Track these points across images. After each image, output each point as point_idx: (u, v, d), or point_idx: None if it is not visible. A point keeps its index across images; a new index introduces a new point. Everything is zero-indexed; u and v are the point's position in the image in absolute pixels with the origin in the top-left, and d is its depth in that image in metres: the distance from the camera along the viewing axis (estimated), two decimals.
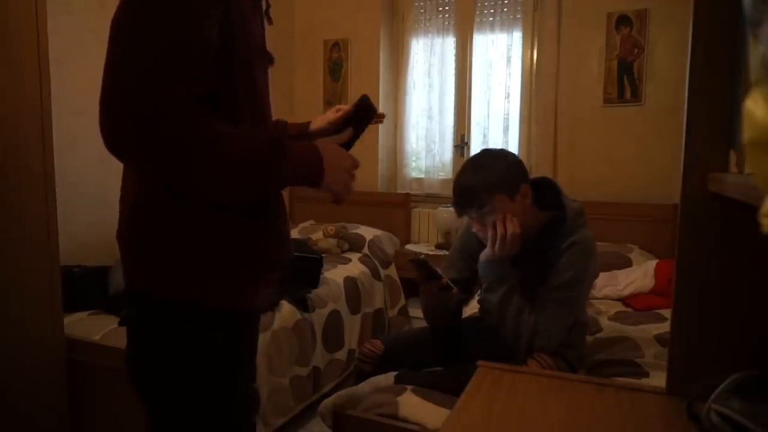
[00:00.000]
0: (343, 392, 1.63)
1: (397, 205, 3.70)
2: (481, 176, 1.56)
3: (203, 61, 0.82)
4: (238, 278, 0.95)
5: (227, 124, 0.85)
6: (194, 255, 0.90)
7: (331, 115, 1.25)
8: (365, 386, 1.64)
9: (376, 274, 3.20)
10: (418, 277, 1.66)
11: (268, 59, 1.02)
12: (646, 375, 1.73)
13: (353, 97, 3.82)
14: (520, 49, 3.50)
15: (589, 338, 2.06)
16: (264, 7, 1.07)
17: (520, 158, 1.67)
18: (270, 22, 1.09)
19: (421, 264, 1.57)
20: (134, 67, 0.77)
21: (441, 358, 1.76)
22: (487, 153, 1.66)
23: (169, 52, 0.78)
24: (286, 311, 2.29)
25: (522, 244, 1.57)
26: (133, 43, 0.78)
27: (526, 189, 1.59)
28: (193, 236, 0.90)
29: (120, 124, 0.79)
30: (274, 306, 2.24)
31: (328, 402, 1.58)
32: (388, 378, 1.65)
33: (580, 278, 1.58)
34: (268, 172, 0.87)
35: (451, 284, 1.60)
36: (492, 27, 3.56)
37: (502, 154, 1.64)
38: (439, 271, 1.61)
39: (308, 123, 1.31)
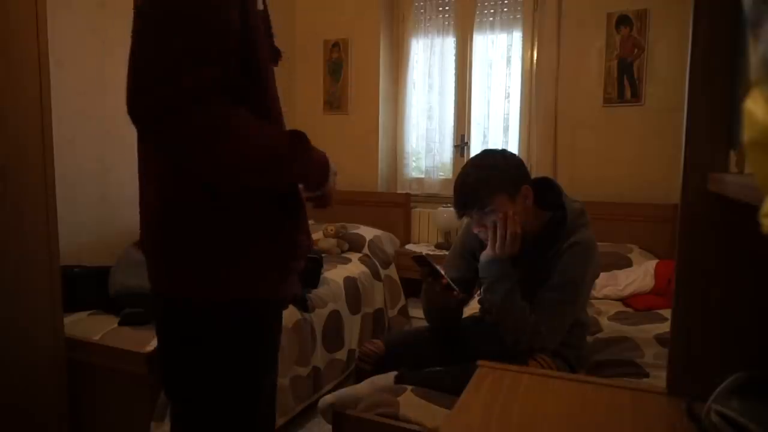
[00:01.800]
0: (342, 391, 1.63)
1: (397, 205, 3.70)
2: (482, 177, 1.56)
3: (227, 44, 0.83)
4: (270, 270, 0.96)
5: (254, 116, 0.87)
6: (226, 254, 0.91)
7: None
8: (365, 385, 1.64)
9: (376, 274, 3.20)
10: (421, 275, 1.66)
11: (277, 55, 1.04)
12: (647, 375, 1.73)
13: (353, 97, 3.82)
14: (520, 49, 3.50)
15: (589, 338, 2.05)
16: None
17: (520, 158, 1.67)
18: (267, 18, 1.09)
19: (425, 261, 1.56)
20: (165, 52, 0.77)
21: (441, 357, 1.75)
22: (487, 153, 1.66)
23: (197, 37, 0.79)
24: (286, 311, 2.28)
25: (523, 244, 1.57)
26: (163, 29, 0.78)
27: (527, 189, 1.59)
28: (223, 235, 0.91)
29: (151, 108, 0.78)
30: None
31: (327, 399, 1.58)
32: (388, 378, 1.65)
33: (581, 279, 1.58)
34: (289, 162, 0.89)
35: (453, 285, 1.59)
36: (492, 27, 3.56)
37: (502, 155, 1.63)
38: (442, 270, 1.61)
39: None
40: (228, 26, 0.82)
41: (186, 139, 0.79)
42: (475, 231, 1.64)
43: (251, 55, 0.89)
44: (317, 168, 0.97)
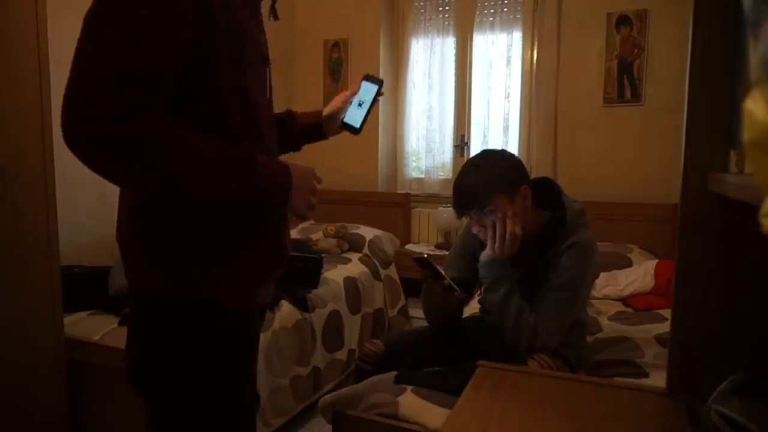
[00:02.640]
0: (342, 391, 1.63)
1: (397, 205, 3.70)
2: (481, 177, 1.56)
3: (172, 62, 0.82)
4: (238, 276, 0.95)
5: (197, 134, 0.85)
6: (194, 252, 0.91)
7: (341, 98, 1.24)
8: (365, 385, 1.64)
9: (376, 274, 3.20)
10: (422, 276, 1.66)
11: (263, 58, 1.01)
12: (646, 375, 1.73)
13: None
14: (520, 49, 3.50)
15: (589, 338, 2.05)
16: (270, 2, 1.07)
17: (519, 159, 1.67)
18: (276, 17, 1.08)
19: (426, 263, 1.56)
20: (96, 69, 0.77)
21: (441, 357, 1.75)
22: (486, 154, 1.66)
23: (132, 54, 0.77)
24: (286, 311, 2.29)
25: (522, 244, 1.57)
26: (98, 44, 0.77)
27: (526, 190, 1.59)
28: (192, 234, 0.91)
29: (77, 127, 0.79)
30: (273, 306, 2.24)
31: (327, 399, 1.58)
32: (388, 378, 1.65)
33: (580, 278, 1.58)
34: (228, 185, 0.88)
35: (454, 285, 1.59)
36: (492, 27, 3.56)
37: (501, 155, 1.64)
38: (443, 271, 1.61)
39: (320, 111, 1.30)
40: (168, 44, 0.81)
41: (100, 157, 0.80)
42: (475, 231, 1.64)
43: (208, 74, 0.88)
44: (259, 188, 0.91)
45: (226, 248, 0.93)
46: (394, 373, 1.66)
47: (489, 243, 1.58)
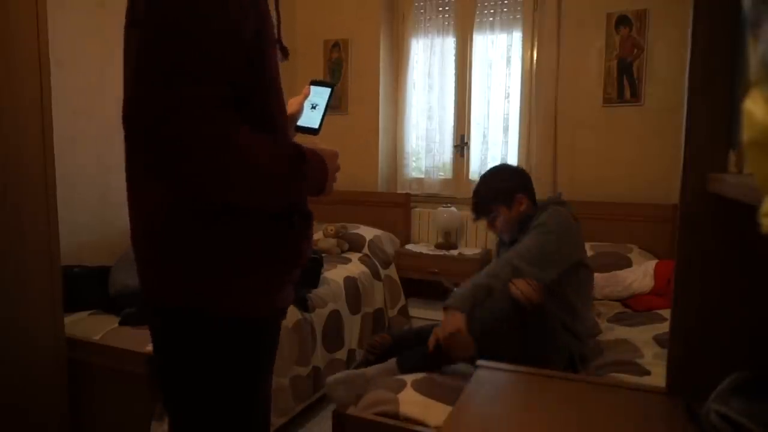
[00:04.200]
0: (351, 371, 1.76)
1: (397, 205, 3.70)
2: (486, 193, 2.00)
3: (238, 61, 0.81)
4: (263, 282, 0.94)
5: (258, 134, 0.84)
6: (219, 264, 0.89)
7: (296, 102, 1.22)
8: (372, 368, 1.78)
9: (376, 274, 3.20)
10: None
11: (284, 53, 1.03)
12: (648, 373, 1.73)
13: (353, 97, 3.82)
14: (520, 49, 3.50)
15: (590, 342, 2.06)
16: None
17: (521, 169, 2.09)
18: (278, 17, 1.08)
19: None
20: (163, 68, 0.75)
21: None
22: (494, 170, 2.09)
23: (202, 54, 0.76)
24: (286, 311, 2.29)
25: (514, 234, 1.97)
26: (165, 42, 0.76)
27: (521, 197, 1.97)
28: (216, 245, 0.88)
29: (147, 119, 0.75)
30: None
31: (337, 377, 1.75)
32: (391, 362, 1.78)
33: (547, 224, 1.83)
34: (288, 187, 0.88)
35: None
36: (492, 27, 3.56)
37: (505, 171, 2.09)
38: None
39: None
40: (238, 42, 0.81)
41: (174, 153, 0.76)
42: (489, 229, 2.08)
43: (263, 66, 0.88)
44: (312, 185, 0.93)
45: (249, 255, 0.91)
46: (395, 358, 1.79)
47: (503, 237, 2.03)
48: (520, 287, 1.66)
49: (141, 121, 0.76)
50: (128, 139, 0.80)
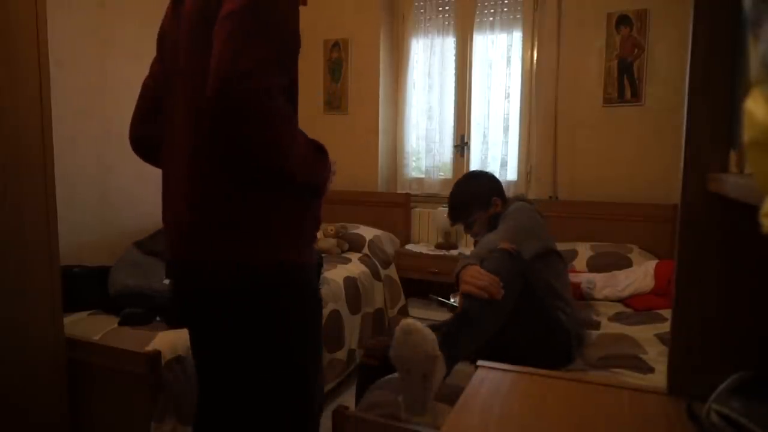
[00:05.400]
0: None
1: (397, 205, 3.70)
2: (461, 198, 2.10)
3: (296, 55, 1.04)
4: (305, 238, 1.15)
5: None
6: (283, 226, 1.10)
7: None
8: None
9: (376, 274, 3.20)
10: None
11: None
12: (651, 370, 1.73)
13: (353, 97, 3.82)
14: (520, 49, 3.50)
15: (590, 336, 2.06)
16: None
17: (492, 175, 2.22)
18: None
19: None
20: (255, 52, 0.92)
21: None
22: (465, 177, 2.21)
23: (283, 44, 0.97)
24: None
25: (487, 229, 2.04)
26: (255, 30, 0.94)
27: (497, 200, 2.08)
28: (281, 212, 1.09)
29: (234, 98, 0.91)
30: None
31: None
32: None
33: (517, 215, 1.92)
34: (314, 169, 1.09)
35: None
36: (492, 27, 3.56)
37: (476, 176, 2.21)
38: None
39: None
40: (299, 40, 1.03)
41: (260, 127, 0.93)
42: (466, 233, 2.18)
43: (297, 63, 1.08)
44: (325, 176, 1.14)
45: (298, 220, 1.12)
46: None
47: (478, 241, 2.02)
48: (474, 281, 1.57)
49: (235, 99, 0.90)
50: (214, 117, 0.94)
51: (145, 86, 1.29)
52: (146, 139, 1.28)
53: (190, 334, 1.27)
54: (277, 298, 1.11)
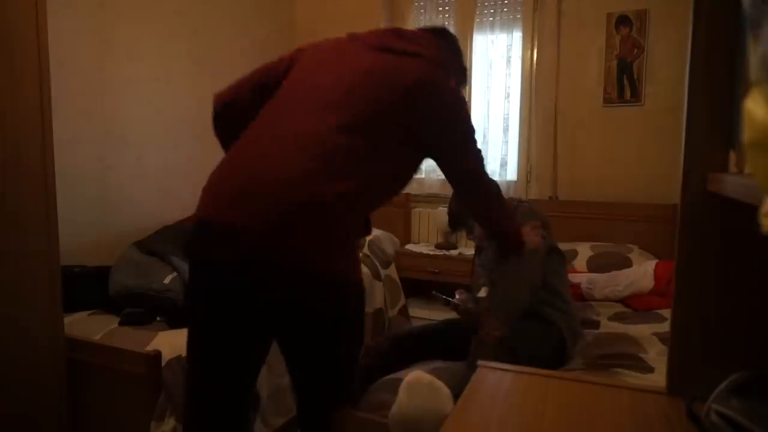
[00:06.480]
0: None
1: (397, 205, 3.69)
2: (453, 207, 2.16)
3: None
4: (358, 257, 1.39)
5: None
6: (353, 246, 1.34)
7: None
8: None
9: (376, 274, 3.20)
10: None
11: None
12: (651, 370, 1.73)
13: None
14: (520, 49, 3.50)
15: (590, 336, 2.06)
16: None
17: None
18: None
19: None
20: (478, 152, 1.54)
21: (445, 353, 1.81)
22: None
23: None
24: None
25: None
26: (470, 135, 1.50)
27: None
28: (354, 231, 1.31)
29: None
30: None
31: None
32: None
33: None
34: None
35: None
36: (492, 27, 3.56)
37: None
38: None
39: None
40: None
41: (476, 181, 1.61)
42: (468, 238, 2.30)
43: None
44: None
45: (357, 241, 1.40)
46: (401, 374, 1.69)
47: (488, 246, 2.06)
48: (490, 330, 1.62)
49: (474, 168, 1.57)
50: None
51: (268, 67, 1.42)
52: (239, 102, 1.40)
53: (229, 325, 1.35)
54: (350, 304, 1.37)
